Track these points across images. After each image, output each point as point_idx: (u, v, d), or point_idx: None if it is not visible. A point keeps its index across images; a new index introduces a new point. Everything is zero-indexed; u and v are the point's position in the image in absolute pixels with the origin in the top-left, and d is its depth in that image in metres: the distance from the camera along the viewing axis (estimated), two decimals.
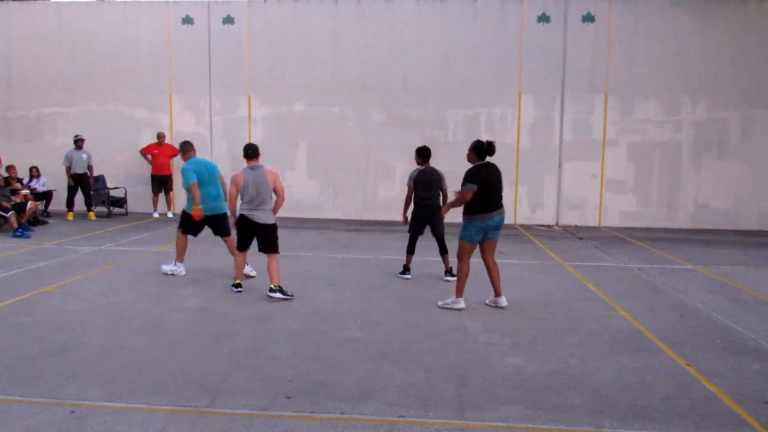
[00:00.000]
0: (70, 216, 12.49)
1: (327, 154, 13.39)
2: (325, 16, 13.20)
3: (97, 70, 13.64)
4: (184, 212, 7.56)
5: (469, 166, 6.07)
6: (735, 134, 12.71)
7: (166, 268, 7.52)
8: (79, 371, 4.32)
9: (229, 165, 13.32)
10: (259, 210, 6.47)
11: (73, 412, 3.68)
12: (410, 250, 7.67)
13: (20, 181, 12.56)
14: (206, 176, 7.36)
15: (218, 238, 7.70)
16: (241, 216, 6.51)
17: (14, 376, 4.20)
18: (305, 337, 5.17)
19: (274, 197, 6.61)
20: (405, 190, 13.12)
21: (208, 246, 9.30)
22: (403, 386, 4.15)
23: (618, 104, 12.80)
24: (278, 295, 6.35)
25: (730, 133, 12.71)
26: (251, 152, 6.59)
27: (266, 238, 6.55)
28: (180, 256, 7.53)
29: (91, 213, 12.74)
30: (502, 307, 6.17)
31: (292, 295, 6.40)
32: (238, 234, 6.62)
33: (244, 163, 6.64)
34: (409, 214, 7.87)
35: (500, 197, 6.09)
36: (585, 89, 12.80)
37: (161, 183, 13.19)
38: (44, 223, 11.59)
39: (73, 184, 12.51)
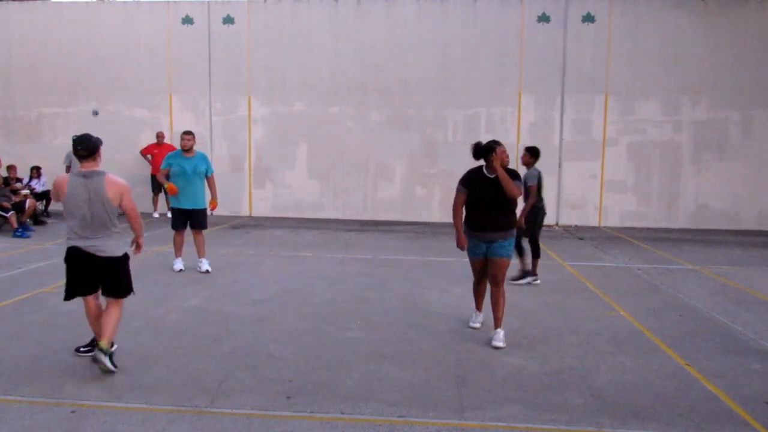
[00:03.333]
0: None
1: (327, 154, 13.39)
2: (325, 16, 13.20)
3: (97, 70, 13.64)
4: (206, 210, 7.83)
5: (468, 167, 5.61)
6: (735, 134, 12.71)
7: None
8: (79, 371, 4.32)
9: (229, 165, 13.35)
10: (98, 237, 4.45)
11: (73, 412, 3.68)
12: (539, 253, 7.31)
13: (20, 180, 12.56)
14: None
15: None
16: (73, 249, 4.40)
17: (14, 376, 4.19)
18: (305, 337, 5.17)
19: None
20: (404, 190, 13.28)
21: (209, 245, 9.30)
22: (403, 386, 4.15)
23: (618, 104, 12.80)
24: (105, 360, 4.19)
25: (730, 133, 12.71)
26: (81, 148, 4.35)
27: (111, 277, 4.54)
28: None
29: None
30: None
31: (115, 368, 4.28)
32: (69, 274, 4.47)
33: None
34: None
35: None
36: (585, 89, 12.80)
37: (161, 183, 13.17)
38: (43, 223, 11.58)
39: None
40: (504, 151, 5.01)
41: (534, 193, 7.07)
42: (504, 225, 5.09)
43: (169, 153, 7.85)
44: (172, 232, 7.86)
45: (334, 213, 13.49)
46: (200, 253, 7.77)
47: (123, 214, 4.64)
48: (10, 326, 5.33)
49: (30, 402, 3.79)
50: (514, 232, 5.21)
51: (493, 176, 5.02)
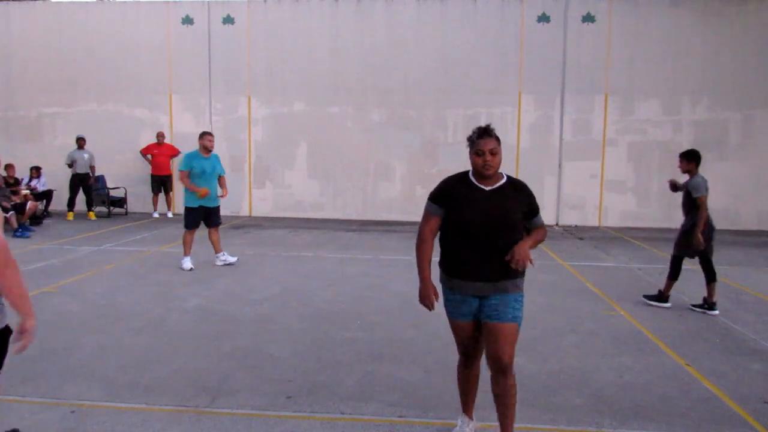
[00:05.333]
0: (70, 216, 12.50)
1: (327, 154, 13.40)
2: (325, 16, 13.20)
3: (97, 70, 13.64)
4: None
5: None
6: (735, 134, 12.71)
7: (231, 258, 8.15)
8: (79, 371, 4.32)
9: (229, 165, 13.33)
10: None
11: (73, 412, 3.68)
12: (715, 275, 6.22)
13: (18, 181, 12.54)
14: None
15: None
16: None
17: (14, 376, 4.19)
18: (305, 337, 5.17)
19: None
20: (404, 190, 13.28)
21: (209, 245, 9.30)
22: (403, 386, 4.15)
23: (618, 104, 12.79)
24: None
25: (730, 133, 12.71)
26: None
27: None
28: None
29: (91, 213, 12.74)
30: None
31: None
32: None
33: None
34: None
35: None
36: (585, 89, 12.80)
37: (161, 183, 13.19)
38: (39, 223, 11.50)
39: (76, 181, 12.54)
40: (483, 153, 3.04)
41: (705, 205, 6.10)
42: (509, 269, 3.05)
43: (188, 155, 7.91)
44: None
45: (334, 213, 13.49)
46: (219, 248, 8.09)
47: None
48: (10, 326, 5.32)
49: (30, 402, 3.79)
50: (522, 282, 3.19)
51: (489, 189, 3.10)
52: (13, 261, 2.50)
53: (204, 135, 7.91)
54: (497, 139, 3.09)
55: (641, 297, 6.58)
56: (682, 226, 6.39)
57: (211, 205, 7.93)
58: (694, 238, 6.09)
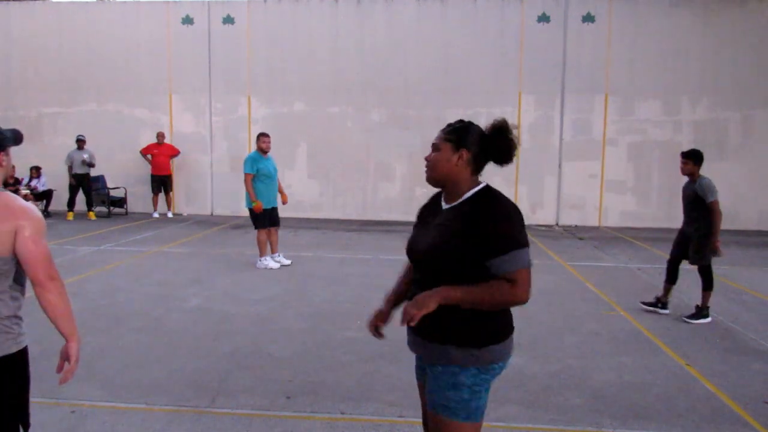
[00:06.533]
0: (70, 216, 12.49)
1: (327, 154, 13.40)
2: (325, 16, 13.20)
3: (97, 70, 13.64)
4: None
5: None
6: (735, 134, 12.71)
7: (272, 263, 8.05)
8: (79, 371, 4.29)
9: (229, 165, 13.35)
10: None
11: (73, 412, 3.68)
12: (712, 284, 5.93)
13: (18, 181, 12.55)
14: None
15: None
16: None
17: None
18: (305, 337, 5.17)
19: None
20: (404, 190, 13.28)
21: (209, 245, 9.32)
22: (403, 386, 4.15)
23: (618, 104, 12.80)
24: None
25: (730, 133, 12.71)
26: None
27: None
28: (264, 251, 8.04)
29: (91, 213, 12.74)
30: None
31: None
32: None
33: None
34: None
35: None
36: (585, 89, 12.79)
37: (161, 183, 13.19)
38: None
39: (74, 183, 12.53)
40: (432, 158, 2.31)
41: (718, 209, 5.76)
42: (444, 327, 2.21)
43: (251, 157, 7.82)
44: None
45: (334, 213, 13.49)
46: (276, 248, 8.23)
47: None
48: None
49: (30, 402, 3.78)
50: (474, 358, 2.21)
51: (447, 206, 2.26)
52: (57, 272, 2.27)
53: (260, 137, 7.92)
54: (451, 138, 2.30)
55: (684, 318, 5.91)
56: (696, 232, 5.84)
57: (275, 205, 8.10)
58: (712, 246, 5.68)
